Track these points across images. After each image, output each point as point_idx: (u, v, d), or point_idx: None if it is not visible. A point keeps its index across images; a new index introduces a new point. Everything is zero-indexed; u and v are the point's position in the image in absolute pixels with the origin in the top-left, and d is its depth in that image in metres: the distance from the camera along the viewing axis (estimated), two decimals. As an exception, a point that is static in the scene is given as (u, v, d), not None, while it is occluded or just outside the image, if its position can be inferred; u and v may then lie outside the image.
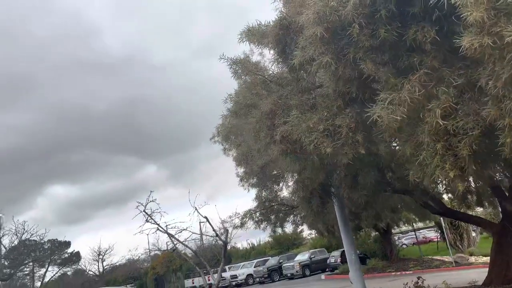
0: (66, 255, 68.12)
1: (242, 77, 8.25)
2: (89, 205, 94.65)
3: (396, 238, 36.62)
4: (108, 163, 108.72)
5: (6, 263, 18.65)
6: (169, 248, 17.62)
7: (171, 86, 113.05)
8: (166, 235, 17.51)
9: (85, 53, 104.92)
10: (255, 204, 17.49)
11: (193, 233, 17.25)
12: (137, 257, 66.40)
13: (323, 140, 5.59)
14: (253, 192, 16.90)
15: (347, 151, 5.68)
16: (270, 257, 38.98)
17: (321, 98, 6.30)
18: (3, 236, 16.97)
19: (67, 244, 68.18)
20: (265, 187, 15.83)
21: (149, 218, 16.64)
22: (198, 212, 16.85)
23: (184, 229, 16.92)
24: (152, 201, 16.73)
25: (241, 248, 55.54)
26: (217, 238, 16.98)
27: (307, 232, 44.70)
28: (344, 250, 33.40)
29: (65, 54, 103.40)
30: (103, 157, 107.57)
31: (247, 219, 16.94)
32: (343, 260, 30.89)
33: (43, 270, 60.99)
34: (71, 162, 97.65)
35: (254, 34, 7.32)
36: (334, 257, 31.47)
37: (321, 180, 8.53)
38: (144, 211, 16.43)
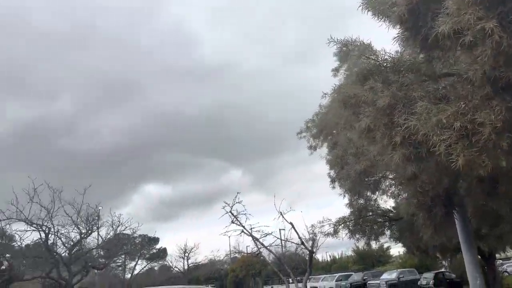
0: (154, 251, 72.15)
1: (351, 63, 7.34)
2: (177, 204, 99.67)
3: (499, 264, 32.65)
4: (197, 166, 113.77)
5: (102, 253, 19.96)
6: (253, 251, 17.22)
7: (260, 92, 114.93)
8: (248, 238, 17.26)
9: (183, 61, 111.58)
10: (347, 211, 16.27)
11: (278, 238, 16.72)
12: (218, 259, 67.99)
13: (456, 142, 4.50)
14: (343, 198, 15.73)
15: (485, 160, 4.54)
16: (353, 273, 37.14)
17: (460, 85, 5.15)
18: (100, 227, 18.31)
19: (156, 240, 72.07)
20: (360, 195, 14.64)
21: (234, 219, 16.57)
22: (283, 217, 16.32)
23: (269, 234, 16.50)
24: (239, 202, 16.64)
25: (320, 260, 53.95)
26: (302, 246, 16.30)
27: (395, 250, 41.99)
28: (438, 273, 30.45)
29: (165, 62, 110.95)
30: (193, 160, 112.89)
31: (341, 227, 15.74)
32: (437, 283, 28.21)
33: (133, 263, 65.13)
34: (165, 163, 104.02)
35: (378, 3, 6.26)
36: (426, 279, 28.92)
37: (445, 185, 7.25)
38: (230, 212, 16.41)
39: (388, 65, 6.22)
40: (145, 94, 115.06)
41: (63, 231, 17.38)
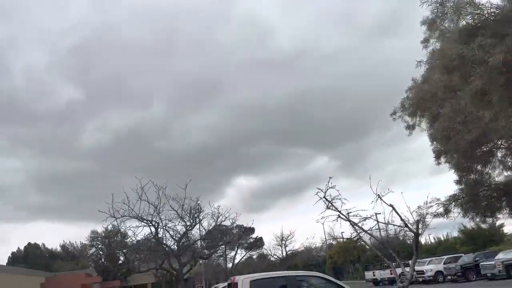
0: (251, 240, 74.67)
1: (451, 20, 6.58)
2: (267, 195, 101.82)
3: None
4: (282, 155, 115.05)
5: (204, 244, 21.11)
6: (352, 236, 16.82)
7: (340, 73, 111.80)
8: (345, 223, 16.85)
9: (260, 53, 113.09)
10: (455, 188, 14.78)
11: (379, 222, 16.12)
12: (314, 245, 68.00)
13: None
14: (453, 174, 14.28)
15: None
16: (462, 254, 34.58)
17: None
18: (203, 219, 19.35)
19: (252, 230, 74.52)
20: (470, 169, 13.32)
21: (330, 204, 16.28)
22: (382, 199, 15.62)
23: (368, 217, 15.94)
24: (332, 187, 16.31)
25: (423, 243, 51.17)
26: (405, 228, 15.48)
27: (508, 228, 38.24)
28: None
29: (243, 56, 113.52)
30: (278, 150, 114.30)
31: (452, 205, 14.47)
32: None
33: (233, 252, 68.06)
34: (251, 156, 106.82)
35: None
36: (551, 258, 25.90)
37: None
38: (324, 197, 16.15)
39: (498, 17, 5.44)
40: (227, 90, 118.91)
41: (170, 225, 18.62)
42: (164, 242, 18.20)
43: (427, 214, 14.79)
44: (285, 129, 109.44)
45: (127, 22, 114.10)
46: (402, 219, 15.32)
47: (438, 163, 13.92)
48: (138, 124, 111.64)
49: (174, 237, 18.64)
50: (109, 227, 17.21)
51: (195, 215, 18.77)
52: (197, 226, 19.59)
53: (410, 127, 16.10)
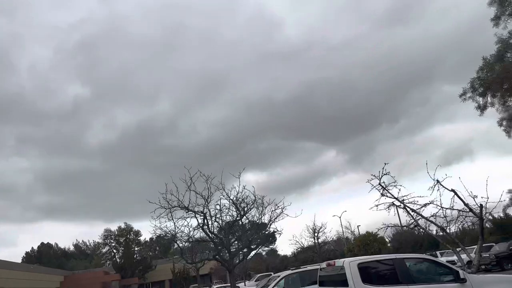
0: (255, 236, 74.27)
1: None
2: (276, 190, 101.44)
3: None
4: (290, 150, 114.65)
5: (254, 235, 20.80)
6: (409, 224, 16.47)
7: (348, 65, 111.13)
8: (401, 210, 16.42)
9: (268, 46, 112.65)
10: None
11: (442, 207, 15.70)
12: (330, 239, 67.64)
13: None
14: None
15: None
16: (494, 244, 34.15)
17: None
18: (250, 209, 19.04)
19: (264, 225, 74.31)
20: None
21: (384, 191, 15.87)
22: (441, 185, 15.21)
23: (428, 203, 15.53)
24: (386, 174, 15.90)
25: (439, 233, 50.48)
26: (470, 213, 15.08)
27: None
28: None
29: (250, 50, 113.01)
30: (286, 144, 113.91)
31: None
32: None
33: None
34: (259, 151, 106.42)
35: None
36: None
37: None
38: (379, 184, 15.71)
39: None
40: (235, 85, 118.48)
41: (218, 215, 18.28)
42: (214, 232, 17.81)
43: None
44: (293, 123, 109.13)
45: (133, 16, 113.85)
46: (465, 204, 14.94)
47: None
48: (146, 120, 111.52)
49: (224, 228, 18.28)
50: (157, 221, 16.87)
51: (242, 205, 18.39)
52: (245, 216, 19.17)
53: (481, 107, 15.72)
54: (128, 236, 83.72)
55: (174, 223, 17.15)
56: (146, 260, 67.28)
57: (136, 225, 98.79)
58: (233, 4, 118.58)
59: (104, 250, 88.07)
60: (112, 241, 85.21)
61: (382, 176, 15.83)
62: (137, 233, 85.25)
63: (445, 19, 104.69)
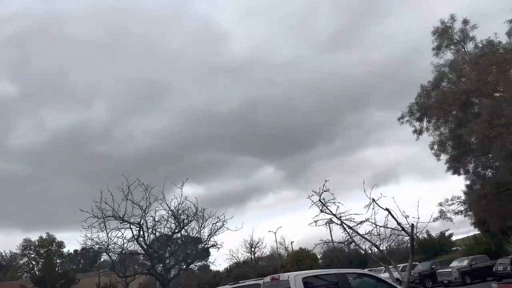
0: (194, 251, 72.60)
1: None
2: (212, 203, 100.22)
3: None
4: (229, 164, 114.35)
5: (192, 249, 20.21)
6: (345, 240, 16.91)
7: (291, 84, 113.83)
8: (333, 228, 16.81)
9: (213, 58, 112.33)
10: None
11: (376, 225, 16.26)
12: (265, 255, 67.80)
13: None
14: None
15: None
16: (417, 262, 36.24)
17: None
18: (190, 222, 18.56)
19: (199, 240, 72.81)
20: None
21: (324, 207, 16.18)
22: (376, 203, 15.83)
23: (364, 221, 16.03)
24: (326, 190, 16.24)
25: (372, 251, 52.68)
26: (402, 232, 15.78)
27: (457, 237, 40.90)
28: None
29: (195, 60, 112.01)
30: (226, 158, 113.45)
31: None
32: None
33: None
34: (198, 163, 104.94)
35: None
36: (502, 265, 27.89)
37: None
38: (319, 200, 16.00)
39: None
40: (176, 95, 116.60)
41: (156, 227, 17.52)
42: (148, 244, 17.00)
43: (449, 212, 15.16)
44: (234, 137, 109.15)
45: (74, 16, 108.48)
46: (398, 223, 15.66)
47: (451, 170, 14.53)
48: (79, 125, 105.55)
49: (161, 240, 17.54)
50: (88, 231, 15.78)
51: (182, 217, 17.82)
52: (186, 228, 18.58)
53: (417, 131, 16.73)
54: (50, 247, 78.20)
55: (107, 234, 16.19)
56: (68, 273, 63.02)
57: (59, 236, 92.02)
58: (180, 12, 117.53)
59: (21, 262, 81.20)
60: (31, 252, 78.94)
61: (322, 192, 16.19)
62: (60, 244, 79.89)
63: (380, 49, 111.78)
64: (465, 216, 19.24)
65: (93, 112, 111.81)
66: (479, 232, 33.86)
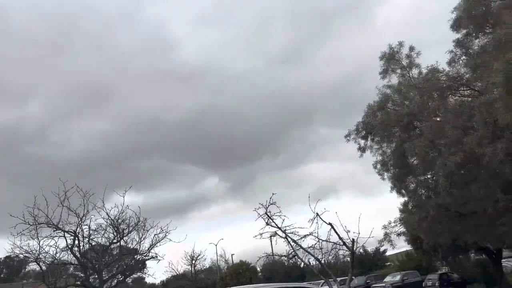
0: (132, 262, 69.88)
1: None
2: (154, 213, 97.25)
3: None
4: (174, 172, 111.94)
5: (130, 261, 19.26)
6: (288, 253, 17.00)
7: (241, 95, 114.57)
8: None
9: (163, 64, 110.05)
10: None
11: (319, 239, 16.50)
12: (204, 268, 66.53)
13: None
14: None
15: None
16: (353, 277, 37.37)
17: None
18: (130, 232, 17.60)
19: (135, 250, 70.12)
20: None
21: (270, 220, 16.21)
22: (320, 217, 16.13)
23: (308, 235, 16.22)
24: (273, 203, 16.30)
25: (313, 265, 53.65)
26: (343, 247, 16.15)
27: (391, 252, 42.74)
28: (443, 274, 31.10)
29: (144, 65, 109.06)
30: (170, 166, 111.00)
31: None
32: (442, 284, 28.86)
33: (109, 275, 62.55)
34: (141, 170, 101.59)
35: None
36: (431, 280, 29.65)
37: None
38: (266, 213, 16.03)
39: None
40: (121, 99, 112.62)
41: (93, 236, 16.54)
42: (82, 254, 16.00)
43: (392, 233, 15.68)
44: (180, 146, 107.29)
45: (17, 7, 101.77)
46: (340, 237, 16.03)
47: (395, 187, 15.17)
48: (10, 123, 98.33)
49: (97, 250, 16.56)
50: (17, 239, 14.56)
51: (122, 227, 16.99)
52: (125, 239, 17.69)
53: (362, 149, 17.38)
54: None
55: (39, 242, 15.04)
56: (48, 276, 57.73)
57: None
58: (132, 13, 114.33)
59: None
60: None
61: (269, 205, 16.22)
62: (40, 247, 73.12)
63: (329, 68, 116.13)
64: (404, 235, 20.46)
65: (28, 111, 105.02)
66: (411, 248, 35.71)
